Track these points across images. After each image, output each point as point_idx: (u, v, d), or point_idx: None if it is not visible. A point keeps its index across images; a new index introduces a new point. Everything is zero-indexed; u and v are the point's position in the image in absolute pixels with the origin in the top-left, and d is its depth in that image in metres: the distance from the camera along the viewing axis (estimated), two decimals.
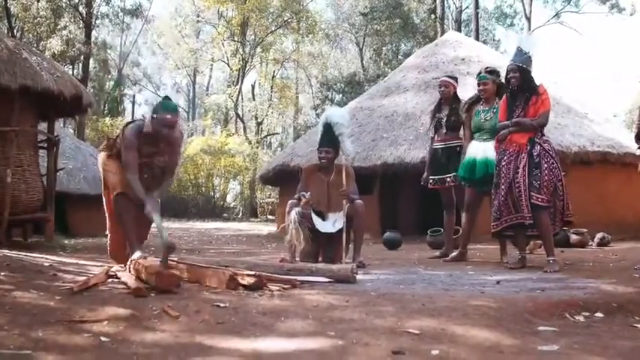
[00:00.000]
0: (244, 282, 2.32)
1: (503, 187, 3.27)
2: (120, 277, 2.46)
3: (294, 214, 3.42)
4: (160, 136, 2.94)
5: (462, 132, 4.16)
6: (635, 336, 1.72)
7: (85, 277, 2.47)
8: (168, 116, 2.90)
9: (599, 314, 1.97)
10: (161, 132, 2.92)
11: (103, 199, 3.17)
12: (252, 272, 2.41)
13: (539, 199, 3.16)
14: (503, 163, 3.29)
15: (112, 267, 2.68)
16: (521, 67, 3.29)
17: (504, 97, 3.48)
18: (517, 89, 3.33)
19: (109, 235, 3.20)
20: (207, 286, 2.34)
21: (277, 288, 2.35)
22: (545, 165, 3.19)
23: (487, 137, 3.77)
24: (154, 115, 2.94)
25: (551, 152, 3.27)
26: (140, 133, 2.96)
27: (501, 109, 3.45)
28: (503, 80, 3.86)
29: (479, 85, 3.86)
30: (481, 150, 3.74)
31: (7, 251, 3.57)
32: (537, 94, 3.30)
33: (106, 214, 3.18)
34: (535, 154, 3.21)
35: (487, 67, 4.04)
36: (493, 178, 3.56)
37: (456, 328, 1.71)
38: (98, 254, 3.44)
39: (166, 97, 3.20)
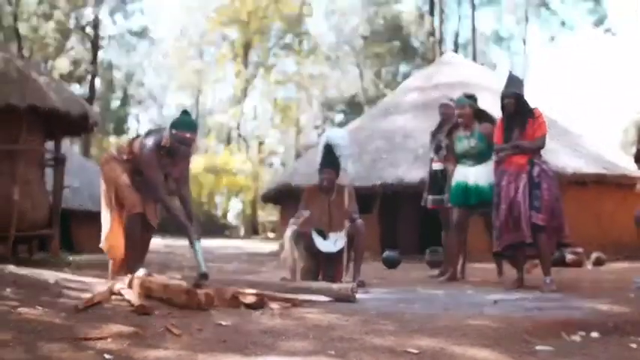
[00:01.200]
0: (246, 300, 2.34)
1: (503, 206, 3.30)
2: (124, 294, 2.49)
3: (288, 232, 3.46)
4: (177, 151, 2.93)
5: None
6: (632, 356, 1.74)
7: (89, 294, 2.50)
8: (188, 135, 2.88)
9: (595, 334, 1.98)
10: (179, 149, 2.90)
11: (102, 200, 3.15)
12: (254, 291, 2.43)
13: (540, 219, 3.20)
14: (504, 183, 3.34)
15: (116, 284, 2.71)
16: (515, 92, 3.39)
17: (500, 120, 3.56)
18: (513, 113, 3.42)
19: (105, 229, 3.15)
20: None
21: (278, 307, 2.37)
22: (545, 185, 3.25)
23: (473, 163, 3.81)
24: (173, 131, 2.89)
25: (549, 173, 3.34)
26: (158, 149, 2.94)
27: (497, 133, 3.52)
28: (480, 106, 3.94)
29: (456, 109, 3.92)
30: (472, 175, 3.78)
31: (13, 267, 3.58)
32: (533, 117, 3.38)
33: (105, 209, 3.14)
34: (535, 174, 3.27)
35: (465, 93, 4.13)
36: (486, 203, 3.64)
37: (454, 347, 1.73)
38: (102, 271, 3.46)
39: (185, 112, 3.14)
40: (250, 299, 2.34)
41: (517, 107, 3.38)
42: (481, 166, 3.77)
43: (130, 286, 2.57)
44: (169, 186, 3.09)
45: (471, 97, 3.95)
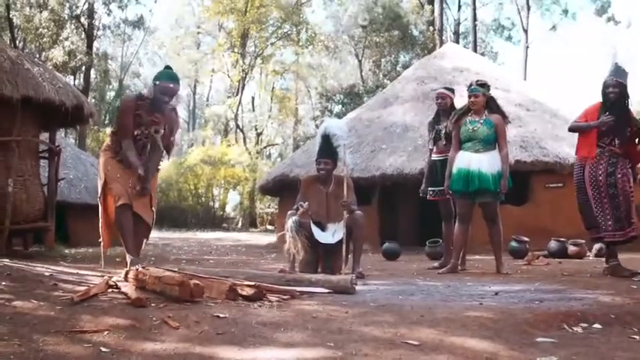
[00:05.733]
0: (244, 293, 2.32)
1: (621, 198, 3.38)
2: (120, 287, 2.47)
3: (290, 223, 3.45)
4: (159, 104, 2.93)
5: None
6: (634, 347, 1.73)
7: (85, 287, 2.48)
8: (171, 85, 2.93)
9: (597, 325, 1.98)
10: (162, 100, 2.91)
11: (99, 199, 3.15)
12: (252, 283, 2.41)
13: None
14: (619, 175, 3.40)
15: (112, 277, 2.69)
16: (621, 82, 3.43)
17: (596, 106, 3.55)
18: (614, 103, 3.44)
19: (101, 232, 3.18)
20: (207, 296, 2.34)
21: (276, 299, 2.36)
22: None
23: (480, 147, 3.78)
24: (157, 82, 2.95)
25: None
26: (138, 100, 2.96)
27: (591, 117, 3.53)
28: (492, 94, 3.97)
29: (469, 97, 3.90)
30: (475, 161, 3.74)
31: (7, 261, 3.57)
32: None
33: (100, 211, 3.16)
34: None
35: (478, 80, 4.09)
36: (486, 190, 3.67)
37: (454, 339, 1.73)
38: (98, 264, 3.44)
39: (168, 67, 3.20)
40: (248, 291, 2.32)
41: (619, 97, 3.42)
42: (485, 154, 3.75)
43: (126, 278, 2.55)
44: (152, 143, 3.06)
45: (484, 86, 3.93)
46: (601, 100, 3.55)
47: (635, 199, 3.44)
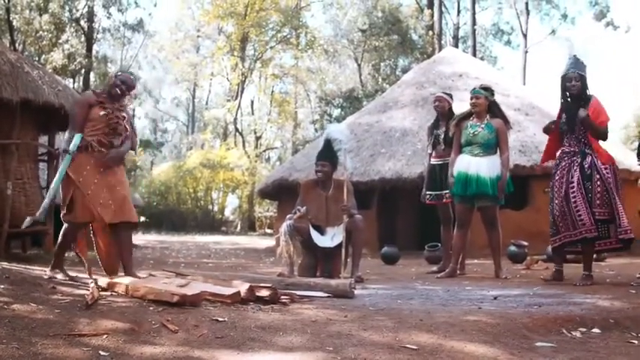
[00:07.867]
0: (261, 294, 2.36)
1: (557, 201, 3.25)
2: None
3: (285, 226, 3.45)
4: (117, 96, 3.18)
5: None
6: (632, 352, 1.74)
7: (84, 291, 2.47)
8: (131, 77, 3.36)
9: (595, 330, 1.98)
10: (120, 88, 3.18)
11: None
12: (269, 285, 2.45)
13: (598, 213, 3.15)
14: (557, 178, 3.31)
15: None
16: (582, 75, 3.31)
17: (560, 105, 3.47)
18: (575, 97, 3.33)
19: (96, 251, 3.22)
20: (206, 299, 2.34)
21: (287, 301, 2.38)
22: (597, 176, 3.19)
23: (479, 151, 3.78)
24: (119, 73, 3.36)
25: (599, 163, 3.23)
26: (95, 94, 3.23)
27: (557, 118, 3.46)
28: (495, 98, 3.94)
29: (471, 99, 3.90)
30: (473, 165, 3.75)
31: (6, 264, 3.56)
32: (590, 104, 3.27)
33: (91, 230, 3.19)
34: (586, 166, 3.22)
35: (482, 84, 4.10)
36: (484, 195, 3.66)
37: (453, 343, 1.73)
38: (96, 267, 3.44)
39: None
40: (265, 293, 2.35)
41: (581, 91, 3.30)
42: (485, 158, 3.75)
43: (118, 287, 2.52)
44: (118, 130, 3.16)
45: (487, 89, 3.93)
46: (561, 95, 3.42)
47: (600, 199, 3.17)
